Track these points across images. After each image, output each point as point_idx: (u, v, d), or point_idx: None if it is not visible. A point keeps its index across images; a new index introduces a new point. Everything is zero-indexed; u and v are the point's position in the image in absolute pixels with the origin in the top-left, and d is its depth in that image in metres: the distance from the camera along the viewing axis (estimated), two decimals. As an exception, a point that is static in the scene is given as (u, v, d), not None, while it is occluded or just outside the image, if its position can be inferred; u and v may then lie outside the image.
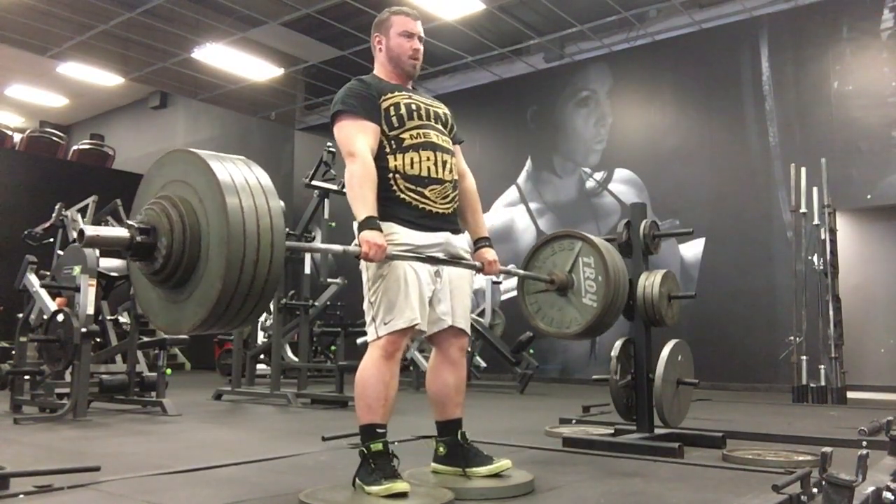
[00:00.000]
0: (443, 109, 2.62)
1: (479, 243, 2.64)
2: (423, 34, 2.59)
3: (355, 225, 2.31)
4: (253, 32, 9.14)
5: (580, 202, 9.20)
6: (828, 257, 6.34)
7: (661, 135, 8.69)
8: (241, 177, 1.63)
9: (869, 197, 7.21)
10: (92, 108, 14.07)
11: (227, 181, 1.59)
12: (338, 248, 2.18)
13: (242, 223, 1.56)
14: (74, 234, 5.93)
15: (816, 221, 6.47)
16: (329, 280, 6.74)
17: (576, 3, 8.43)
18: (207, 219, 1.60)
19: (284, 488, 2.42)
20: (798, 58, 7.81)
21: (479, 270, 2.56)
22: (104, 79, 10.78)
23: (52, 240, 6.57)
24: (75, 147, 12.15)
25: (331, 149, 6.57)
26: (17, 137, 11.37)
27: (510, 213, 9.67)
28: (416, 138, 2.44)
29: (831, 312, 6.22)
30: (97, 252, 5.17)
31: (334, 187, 6.59)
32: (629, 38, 9.03)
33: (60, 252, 5.78)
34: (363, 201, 2.26)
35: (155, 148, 13.90)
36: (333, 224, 6.65)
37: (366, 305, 2.39)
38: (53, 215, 6.41)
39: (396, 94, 2.48)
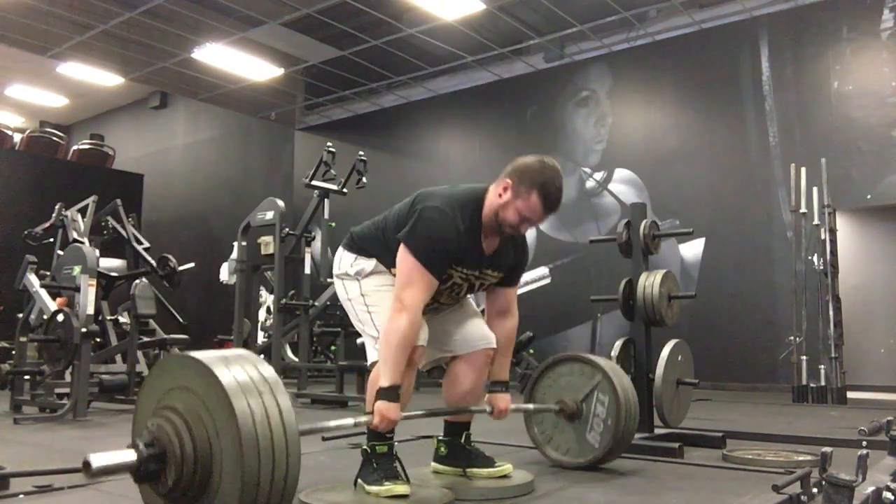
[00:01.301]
0: (490, 279, 2.43)
1: (494, 387, 2.53)
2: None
3: (342, 254, 2.35)
4: (253, 32, 9.14)
5: (580, 202, 9.20)
6: (828, 257, 6.34)
7: (661, 135, 8.69)
8: (247, 377, 1.57)
9: (869, 197, 7.21)
10: (92, 108, 14.07)
11: (233, 386, 1.53)
12: (349, 422, 2.06)
13: (255, 432, 1.50)
14: (78, 230, 5.92)
15: (816, 221, 6.47)
16: (329, 280, 6.73)
17: (576, 3, 8.43)
18: (219, 435, 1.53)
19: (284, 488, 2.41)
20: (798, 58, 7.81)
21: (489, 414, 2.48)
22: (104, 79, 10.78)
23: (52, 240, 6.57)
24: (75, 147, 12.14)
25: (330, 149, 6.57)
26: (17, 137, 11.36)
27: (510, 213, 9.66)
28: (429, 303, 2.33)
29: (831, 312, 6.22)
30: (97, 252, 5.18)
31: (334, 187, 6.59)
32: (629, 38, 9.02)
33: (60, 252, 5.78)
34: (394, 366, 2.13)
35: (155, 148, 13.93)
36: (333, 224, 6.66)
37: (366, 328, 2.36)
38: (53, 215, 6.41)
39: (464, 270, 2.33)
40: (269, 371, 1.64)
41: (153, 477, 1.59)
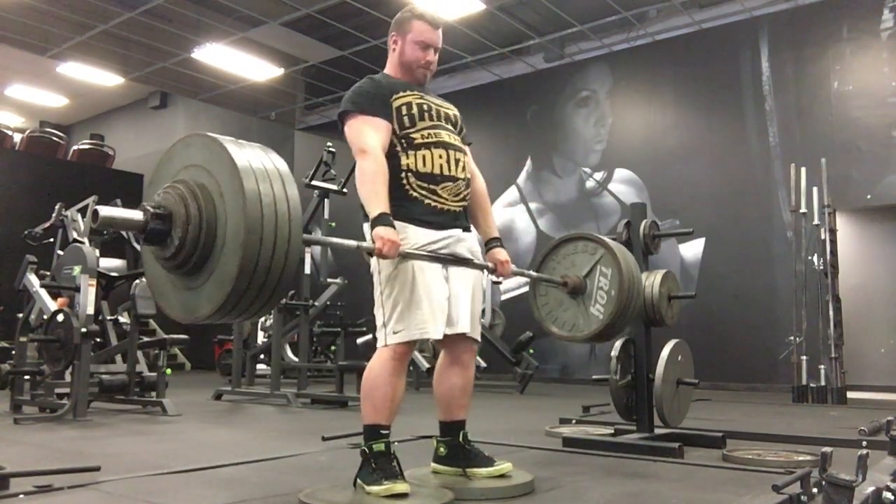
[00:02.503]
0: (452, 111, 2.59)
1: (490, 244, 2.60)
2: (440, 44, 2.53)
3: (366, 227, 2.27)
4: (253, 32, 9.14)
5: (580, 202, 9.20)
6: (828, 257, 6.34)
7: (661, 135, 8.69)
8: (260, 163, 1.60)
9: (869, 197, 7.22)
10: (92, 108, 14.07)
11: (245, 167, 1.56)
12: (351, 243, 2.12)
13: (260, 210, 1.52)
14: (78, 230, 5.92)
15: (816, 221, 6.47)
16: (329, 280, 6.74)
17: (576, 3, 8.43)
18: (225, 206, 1.56)
19: (284, 488, 2.42)
20: (798, 58, 7.81)
21: (492, 271, 2.53)
22: (104, 79, 10.78)
23: (52, 240, 6.57)
24: (75, 147, 12.15)
25: (331, 149, 6.56)
26: (17, 137, 11.37)
27: (510, 214, 9.67)
28: (428, 137, 2.42)
29: (831, 312, 6.22)
30: (97, 252, 5.18)
31: (334, 187, 6.59)
32: (629, 38, 9.02)
33: (60, 252, 5.78)
34: (376, 197, 2.22)
35: (155, 148, 13.89)
36: (333, 224, 6.66)
37: (376, 309, 2.36)
38: (53, 215, 6.41)
39: (408, 93, 2.46)
40: (281, 162, 1.68)
41: (159, 236, 1.62)
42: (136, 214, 1.61)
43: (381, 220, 2.18)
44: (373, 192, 2.23)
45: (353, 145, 2.35)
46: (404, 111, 2.41)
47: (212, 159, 1.61)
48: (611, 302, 2.77)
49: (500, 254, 2.57)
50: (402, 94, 2.44)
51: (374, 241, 2.15)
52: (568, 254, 2.94)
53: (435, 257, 2.33)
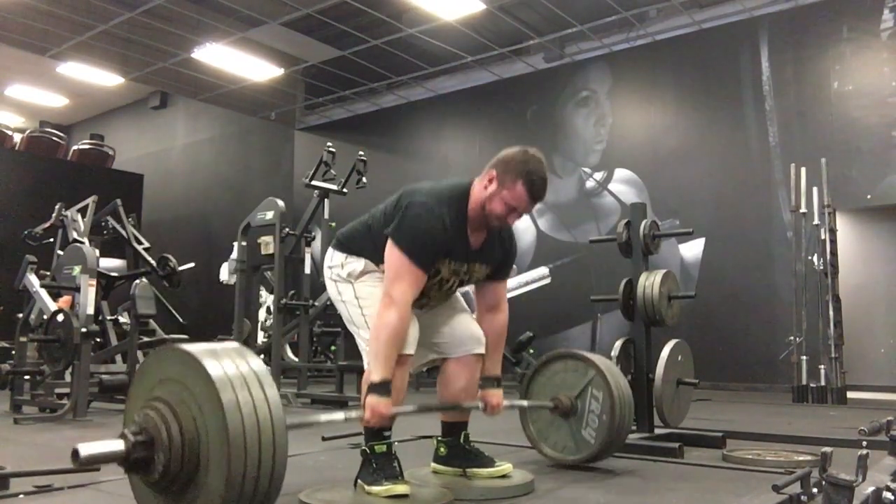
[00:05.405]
0: (478, 274, 2.41)
1: (487, 382, 2.50)
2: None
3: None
4: (253, 32, 9.14)
5: (580, 202, 9.20)
6: (828, 257, 6.34)
7: (661, 135, 8.69)
8: (235, 369, 1.56)
9: (869, 197, 7.21)
10: (92, 108, 14.07)
11: (221, 377, 1.53)
12: (339, 416, 2.08)
13: (241, 421, 1.51)
14: (78, 230, 5.92)
15: (816, 221, 6.47)
16: (329, 280, 6.72)
17: (576, 3, 8.43)
18: (205, 422, 1.53)
19: (284, 488, 2.39)
20: (798, 58, 7.81)
21: (482, 410, 2.47)
22: (104, 79, 10.78)
23: (52, 240, 6.57)
24: (75, 147, 12.14)
25: (330, 149, 6.57)
26: (17, 137, 11.36)
27: (510, 213, 9.66)
28: (419, 299, 2.30)
29: (831, 312, 6.22)
30: (97, 252, 5.18)
31: (334, 187, 6.59)
32: (629, 38, 9.02)
33: (60, 252, 5.78)
34: (385, 362, 2.12)
35: (155, 148, 13.92)
36: (333, 224, 6.65)
37: (358, 331, 2.36)
38: (53, 215, 6.41)
39: (452, 264, 2.32)
40: (257, 364, 1.63)
41: (143, 465, 1.58)
42: (118, 445, 1.57)
43: (378, 389, 2.11)
44: (383, 354, 2.12)
45: (387, 277, 2.22)
46: (432, 275, 2.28)
47: (186, 372, 1.58)
48: (602, 428, 2.72)
49: (493, 397, 2.47)
50: (449, 263, 2.31)
51: (363, 408, 2.12)
52: (558, 371, 2.89)
53: (424, 409, 2.35)
